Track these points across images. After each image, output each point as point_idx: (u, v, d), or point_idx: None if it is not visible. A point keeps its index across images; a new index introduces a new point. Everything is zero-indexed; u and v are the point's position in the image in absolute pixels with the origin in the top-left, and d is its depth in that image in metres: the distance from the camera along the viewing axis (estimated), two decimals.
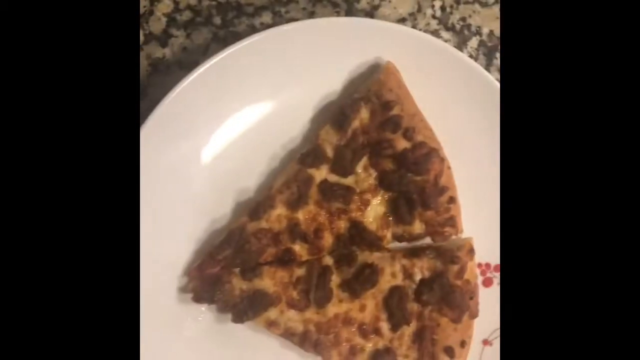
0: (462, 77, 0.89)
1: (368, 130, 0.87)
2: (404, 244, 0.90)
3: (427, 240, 0.90)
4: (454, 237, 0.89)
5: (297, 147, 0.91)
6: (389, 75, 0.87)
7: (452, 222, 0.88)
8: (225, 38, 0.97)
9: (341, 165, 0.87)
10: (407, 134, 0.86)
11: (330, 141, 0.87)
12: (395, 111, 0.86)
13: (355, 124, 0.87)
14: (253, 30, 0.97)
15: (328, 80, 0.90)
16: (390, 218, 0.88)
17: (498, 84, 0.88)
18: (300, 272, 0.87)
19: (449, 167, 0.89)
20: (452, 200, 0.88)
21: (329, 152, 0.87)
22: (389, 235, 0.88)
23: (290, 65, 0.89)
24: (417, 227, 0.88)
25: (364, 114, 0.86)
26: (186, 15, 0.98)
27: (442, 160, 0.87)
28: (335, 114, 0.88)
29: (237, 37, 0.90)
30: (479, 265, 0.92)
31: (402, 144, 0.86)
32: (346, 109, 0.87)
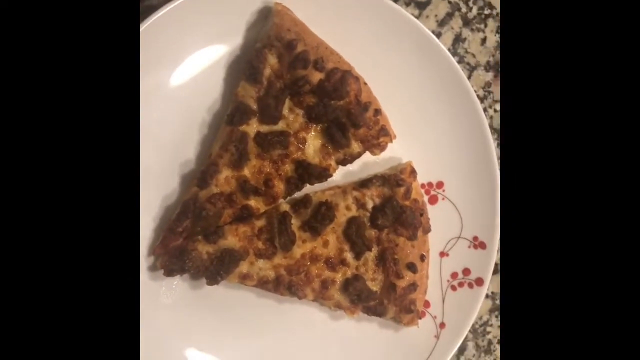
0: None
1: (281, 74, 0.90)
2: (351, 180, 0.97)
3: (369, 157, 0.95)
4: (394, 164, 0.98)
5: (220, 109, 0.94)
6: (282, 16, 0.89)
7: (384, 131, 0.92)
8: (142, 13, 0.92)
9: (268, 114, 0.91)
10: (318, 66, 0.90)
11: (249, 95, 0.90)
12: (299, 48, 0.89)
13: (267, 72, 0.90)
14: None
15: (232, 36, 0.93)
16: (329, 147, 0.92)
17: (413, 20, 0.94)
18: (261, 223, 0.92)
19: (365, 83, 0.92)
20: (378, 112, 0.92)
21: (253, 105, 0.91)
22: (333, 163, 0.93)
23: (195, 30, 0.91)
24: (355, 146, 0.92)
25: (272, 60, 0.90)
26: None
27: (357, 78, 0.91)
28: (245, 68, 0.91)
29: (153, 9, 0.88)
30: (422, 185, 0.98)
31: (316, 76, 0.90)
32: (253, 61, 0.90)
